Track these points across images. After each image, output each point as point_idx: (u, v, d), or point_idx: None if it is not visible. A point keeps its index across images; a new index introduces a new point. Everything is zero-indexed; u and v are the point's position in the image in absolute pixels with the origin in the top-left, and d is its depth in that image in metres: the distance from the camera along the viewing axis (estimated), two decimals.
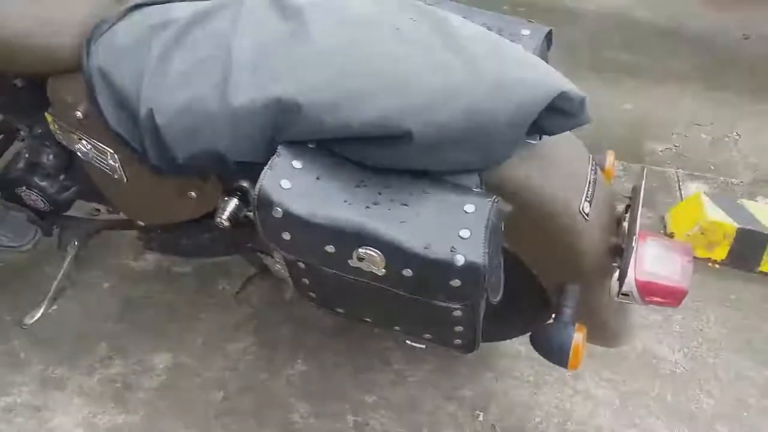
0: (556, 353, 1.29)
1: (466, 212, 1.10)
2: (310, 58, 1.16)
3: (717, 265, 2.19)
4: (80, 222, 1.72)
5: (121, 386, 1.67)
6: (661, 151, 3.02)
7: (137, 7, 1.35)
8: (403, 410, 1.70)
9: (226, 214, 1.26)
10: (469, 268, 1.06)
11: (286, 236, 1.12)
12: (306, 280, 1.27)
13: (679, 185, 2.73)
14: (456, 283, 1.08)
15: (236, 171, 1.21)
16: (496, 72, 1.14)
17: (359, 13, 1.23)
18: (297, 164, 1.12)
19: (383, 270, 1.10)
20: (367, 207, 1.09)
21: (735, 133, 3.16)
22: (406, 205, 1.11)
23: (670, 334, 1.96)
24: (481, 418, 1.71)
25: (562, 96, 1.14)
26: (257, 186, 1.09)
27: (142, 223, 1.56)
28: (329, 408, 1.68)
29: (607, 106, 3.26)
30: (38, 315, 1.76)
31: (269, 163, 1.11)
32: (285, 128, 1.13)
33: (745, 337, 1.98)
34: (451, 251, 1.06)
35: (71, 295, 1.86)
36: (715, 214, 2.14)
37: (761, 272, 2.16)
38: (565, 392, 1.78)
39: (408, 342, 1.82)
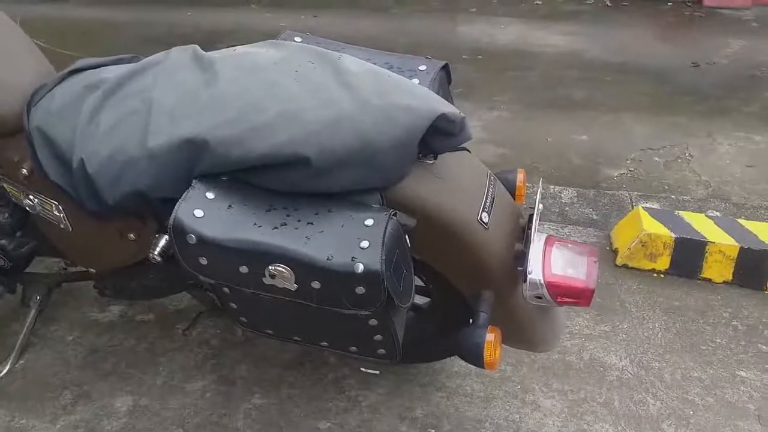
0: (472, 354, 1.37)
1: (366, 226, 1.21)
2: (217, 101, 1.30)
3: (662, 275, 2.28)
4: (41, 277, 1.83)
5: (84, 431, 1.74)
6: (616, 176, 3.15)
7: (73, 72, 1.51)
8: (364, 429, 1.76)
9: (157, 250, 1.37)
10: (369, 275, 1.17)
11: (203, 261, 1.23)
12: (233, 305, 1.37)
13: (632, 206, 2.83)
14: (360, 290, 1.19)
15: (163, 209, 1.33)
16: (383, 103, 1.29)
17: (264, 60, 1.39)
18: (210, 195, 1.24)
19: (295, 285, 1.21)
20: (275, 228, 1.21)
21: (687, 154, 3.30)
22: (311, 223, 1.23)
23: (617, 343, 2.03)
24: None
25: (443, 118, 1.29)
26: (171, 216, 1.21)
27: (93, 271, 1.68)
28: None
29: (563, 139, 3.42)
30: (5, 370, 1.85)
31: (183, 195, 1.24)
32: (197, 164, 1.26)
33: (690, 341, 2.05)
34: (352, 260, 1.17)
35: (37, 349, 1.95)
36: (652, 226, 2.25)
37: (704, 278, 2.24)
38: (514, 405, 1.84)
39: (362, 369, 1.91)
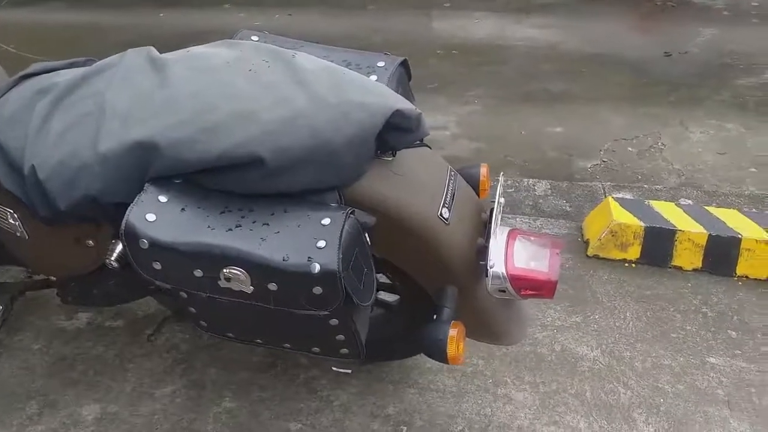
0: (435, 350, 1.36)
1: (322, 225, 1.20)
2: (169, 102, 1.29)
3: (633, 265, 2.29)
4: (3, 286, 1.80)
5: None
6: (589, 167, 3.16)
7: (25, 77, 1.48)
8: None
9: (114, 256, 1.35)
10: (326, 275, 1.15)
11: (157, 266, 1.21)
12: (192, 309, 1.35)
13: (605, 197, 2.84)
14: (318, 290, 1.18)
15: (117, 214, 1.31)
16: (337, 100, 1.28)
17: (218, 60, 1.37)
18: (163, 198, 1.23)
19: (251, 287, 1.19)
20: (229, 230, 1.19)
21: (660, 143, 3.31)
22: (267, 224, 1.21)
23: (588, 333, 2.04)
24: None
25: (399, 114, 1.28)
26: (123, 221, 1.19)
27: (53, 278, 1.65)
28: None
29: (538, 132, 3.42)
30: None
31: (135, 199, 1.22)
32: (149, 167, 1.24)
33: (660, 329, 2.05)
34: (308, 260, 1.16)
35: (2, 359, 1.92)
36: (622, 216, 2.25)
37: (674, 266, 2.25)
38: (485, 399, 1.84)
39: (334, 368, 1.90)
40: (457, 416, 1.80)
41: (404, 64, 1.57)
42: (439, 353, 1.36)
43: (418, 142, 1.45)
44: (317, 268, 1.15)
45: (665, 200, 2.74)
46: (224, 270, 1.18)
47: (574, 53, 4.24)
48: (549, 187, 2.94)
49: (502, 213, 1.51)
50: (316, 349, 1.38)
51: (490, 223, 1.40)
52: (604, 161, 3.22)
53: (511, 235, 1.49)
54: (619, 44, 4.33)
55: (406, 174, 1.39)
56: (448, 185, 1.44)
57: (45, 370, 1.91)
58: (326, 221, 1.20)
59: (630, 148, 3.30)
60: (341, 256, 1.15)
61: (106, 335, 2.01)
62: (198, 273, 1.20)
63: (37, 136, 1.34)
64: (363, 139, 1.26)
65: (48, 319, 2.05)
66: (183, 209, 1.22)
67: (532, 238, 1.51)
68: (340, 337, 1.32)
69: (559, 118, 3.51)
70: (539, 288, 1.44)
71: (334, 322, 1.27)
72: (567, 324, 2.07)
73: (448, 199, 1.41)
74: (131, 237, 1.18)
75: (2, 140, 1.38)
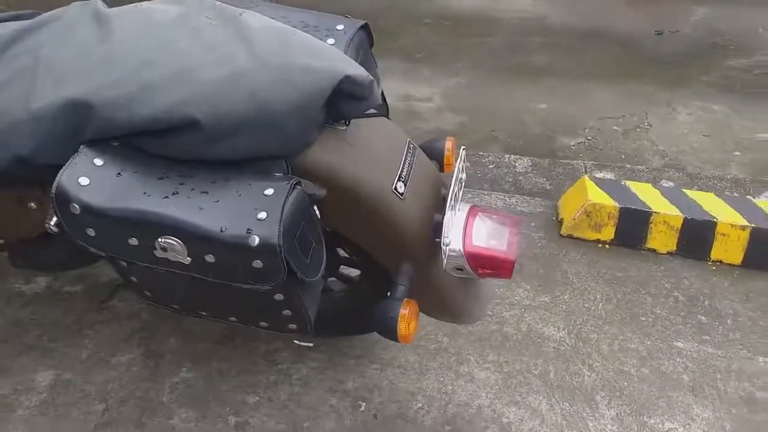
0: (386, 328, 1.33)
1: (265, 195, 1.15)
2: (107, 59, 1.22)
3: (606, 246, 2.25)
4: None
5: (1, 406, 1.69)
6: (573, 145, 3.11)
7: None
8: (285, 407, 1.72)
9: (53, 220, 1.30)
10: (265, 248, 1.10)
11: (91, 232, 1.16)
12: (133, 278, 1.30)
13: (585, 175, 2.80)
14: (258, 264, 1.13)
15: (52, 176, 1.24)
16: (281, 62, 1.21)
17: (163, 16, 1.30)
18: (98, 161, 1.17)
19: (188, 258, 1.15)
20: (165, 197, 1.14)
21: (646, 123, 3.26)
22: (206, 192, 1.16)
23: (556, 314, 2.01)
24: (362, 409, 1.73)
25: (348, 80, 1.21)
26: (54, 184, 1.13)
27: (1, 241, 1.60)
28: (211, 411, 1.70)
29: (522, 107, 3.36)
30: None
31: (68, 162, 1.16)
32: (82, 128, 1.18)
33: (630, 312, 2.03)
34: (247, 233, 1.11)
35: None
36: (597, 196, 2.21)
37: (648, 249, 2.22)
38: (448, 377, 1.81)
39: (296, 342, 1.87)
40: (418, 393, 1.77)
41: (365, 28, 1.50)
42: (389, 331, 1.32)
43: (375, 111, 1.40)
44: (256, 240, 1.10)
45: (647, 181, 2.70)
46: (159, 239, 1.13)
47: (565, 28, 4.16)
48: (530, 164, 2.90)
49: (464, 189, 1.47)
50: (263, 324, 1.35)
51: (445, 200, 1.35)
52: (588, 139, 3.17)
53: (471, 212, 1.44)
54: (610, 20, 4.25)
55: (361, 145, 1.33)
56: (405, 158, 1.38)
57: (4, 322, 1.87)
58: (269, 191, 1.15)
59: (615, 127, 3.26)
60: (282, 228, 1.10)
61: (64, 300, 1.96)
62: (133, 241, 1.15)
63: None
64: (308, 105, 1.20)
65: (5, 282, 2.00)
66: (119, 174, 1.16)
67: (493, 216, 1.46)
68: (287, 312, 1.28)
69: (545, 94, 3.45)
70: (497, 267, 1.41)
71: (279, 297, 1.23)
72: (535, 303, 2.04)
73: (404, 173, 1.36)
74: (62, 201, 1.13)
75: None
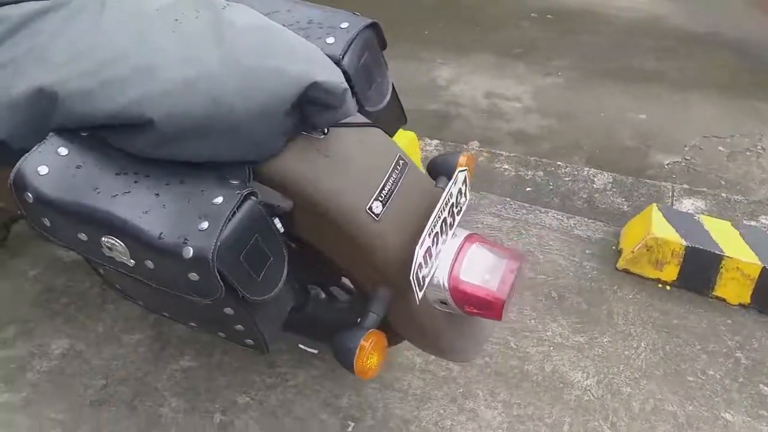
0: (342, 358, 1.22)
1: (213, 204, 1.08)
2: (84, 49, 1.19)
3: (668, 287, 1.99)
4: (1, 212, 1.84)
5: (15, 367, 1.78)
6: (667, 164, 2.79)
7: None
8: (273, 414, 1.67)
9: None
10: (198, 261, 1.04)
11: (46, 222, 1.15)
12: (101, 270, 1.29)
13: (672, 201, 2.51)
14: (194, 276, 1.07)
15: None
16: (251, 64, 1.12)
17: (150, 7, 1.25)
18: (63, 151, 1.15)
19: (132, 261, 1.11)
20: (114, 195, 1.10)
21: (759, 147, 2.87)
22: (157, 194, 1.11)
23: (589, 358, 1.80)
24: (350, 429, 1.65)
25: (317, 87, 1.11)
26: (12, 171, 1.13)
27: None
28: (200, 405, 1.69)
29: (618, 115, 3.07)
30: None
31: (33, 148, 1.15)
32: (49, 116, 1.17)
33: (677, 368, 1.77)
34: (183, 243, 1.05)
35: None
36: (662, 230, 1.95)
37: (716, 297, 1.93)
38: (449, 410, 1.68)
39: (300, 346, 1.81)
40: (412, 422, 1.66)
41: (374, 27, 1.37)
42: (345, 363, 1.21)
43: (366, 121, 1.28)
44: (190, 252, 1.03)
45: (743, 215, 2.37)
46: (103, 238, 1.09)
47: (680, 30, 3.74)
48: (611, 180, 2.64)
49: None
50: (221, 334, 1.29)
51: (428, 223, 1.21)
52: (686, 159, 2.83)
53: (467, 240, 1.30)
54: (733, 23, 3.77)
55: (338, 157, 1.22)
56: (390, 176, 1.26)
57: (32, 297, 1.97)
58: (218, 200, 1.08)
59: (721, 148, 2.88)
60: (221, 242, 1.03)
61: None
62: (82, 237, 1.13)
63: None
64: (272, 111, 1.11)
65: (49, 248, 2.10)
66: (79, 166, 1.14)
67: (491, 249, 1.31)
68: (240, 327, 1.21)
69: (647, 103, 3.12)
70: (484, 307, 1.26)
71: (228, 311, 1.17)
72: (568, 343, 1.84)
73: (384, 192, 1.23)
74: (19, 188, 1.12)
75: None
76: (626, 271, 2.02)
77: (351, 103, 1.16)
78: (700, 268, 1.91)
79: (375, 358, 1.22)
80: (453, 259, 1.26)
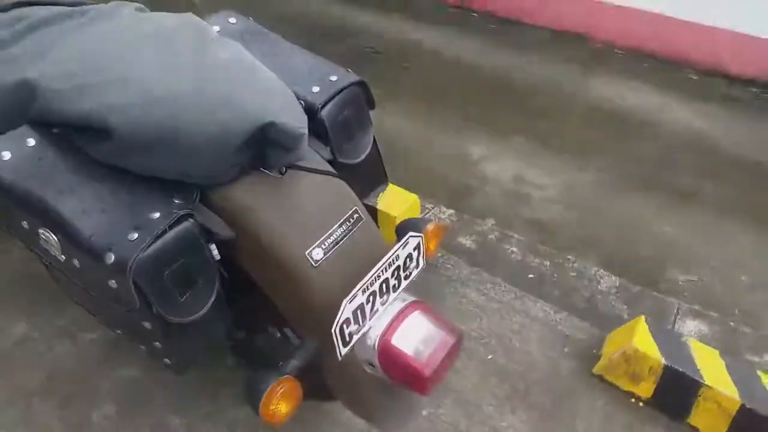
0: (251, 397, 1.19)
1: (149, 218, 1.10)
2: (77, 54, 1.25)
3: (641, 403, 1.87)
4: None
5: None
6: (682, 281, 2.68)
7: (18, 4, 1.53)
8: None
9: None
10: (117, 268, 1.05)
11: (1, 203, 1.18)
12: (47, 263, 1.31)
13: (675, 318, 2.40)
14: (113, 284, 1.07)
15: None
16: (216, 94, 1.16)
17: (152, 27, 1.31)
18: (30, 142, 1.19)
19: (63, 256, 1.12)
20: (62, 192, 1.13)
21: None
22: (101, 199, 1.13)
23: None
24: None
25: (274, 127, 1.13)
26: None
27: None
28: (132, 418, 1.67)
29: (643, 224, 2.99)
30: None
31: (4, 135, 1.20)
32: (28, 108, 1.22)
33: None
34: (109, 248, 1.06)
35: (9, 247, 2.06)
36: (644, 343, 1.85)
37: (690, 425, 1.81)
38: None
39: None
40: None
41: (361, 85, 1.40)
42: (251, 402, 1.18)
43: (329, 171, 1.29)
44: (111, 258, 1.05)
45: (748, 349, 2.24)
46: (40, 229, 1.12)
47: (725, 152, 3.64)
48: (617, 285, 2.54)
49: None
50: (143, 347, 1.28)
51: (360, 283, 1.18)
52: (703, 281, 2.71)
53: (410, 307, 1.26)
54: None
55: (290, 199, 1.22)
56: (339, 227, 1.25)
57: (7, 279, 2.01)
58: (155, 215, 1.10)
59: (743, 277, 2.75)
60: (145, 255, 1.04)
61: None
62: (24, 224, 1.15)
63: None
64: (222, 141, 1.14)
65: None
66: (40, 158, 1.18)
67: (433, 321, 1.26)
68: (158, 344, 1.20)
69: (675, 218, 3.03)
70: (409, 377, 1.21)
71: (147, 325, 1.16)
72: None
73: (328, 242, 1.22)
74: None
75: None
76: (601, 378, 1.92)
77: (305, 148, 1.17)
78: (677, 391, 1.79)
79: (283, 406, 1.19)
80: (389, 323, 1.23)
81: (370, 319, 1.21)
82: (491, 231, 2.76)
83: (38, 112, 1.21)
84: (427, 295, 2.15)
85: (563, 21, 4.64)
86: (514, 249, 2.66)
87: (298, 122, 1.18)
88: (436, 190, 3.01)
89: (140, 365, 1.79)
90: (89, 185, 1.15)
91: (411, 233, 1.25)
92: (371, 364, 1.24)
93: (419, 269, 1.31)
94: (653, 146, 3.66)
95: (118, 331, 1.35)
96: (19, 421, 1.62)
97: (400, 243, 1.24)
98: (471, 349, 1.97)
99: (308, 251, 1.19)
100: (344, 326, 1.16)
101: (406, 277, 1.28)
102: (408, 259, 1.26)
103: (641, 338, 1.85)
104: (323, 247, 1.21)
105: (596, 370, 1.93)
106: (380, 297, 1.22)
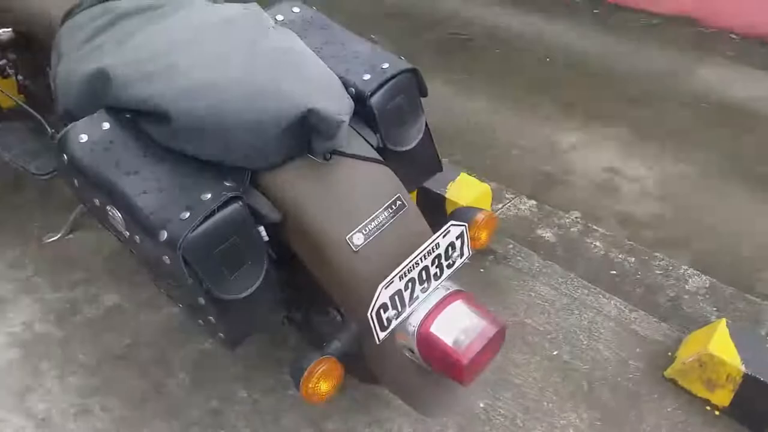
0: (293, 374, 1.24)
1: (200, 198, 1.17)
2: (147, 43, 1.34)
3: (717, 412, 1.77)
4: None
5: (68, 307, 1.99)
6: None
7: None
8: (261, 416, 1.72)
9: None
10: (169, 245, 1.13)
11: (75, 183, 1.30)
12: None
13: None
14: (166, 260, 1.15)
15: None
16: (262, 81, 1.21)
17: (215, 17, 1.37)
18: (105, 125, 1.30)
19: (126, 232, 1.22)
20: (127, 173, 1.22)
21: None
22: (160, 180, 1.22)
23: None
24: None
25: (313, 114, 1.17)
26: (60, 133, 1.29)
27: None
28: (203, 387, 1.78)
29: (742, 223, 2.78)
30: (55, 238, 2.19)
31: (83, 118, 1.31)
32: (103, 94, 1.32)
33: None
34: (163, 224, 1.14)
35: (85, 230, 2.25)
36: (721, 347, 1.74)
37: None
38: None
39: None
40: None
41: (414, 72, 1.40)
42: (294, 379, 1.23)
43: (375, 157, 1.31)
44: (164, 235, 1.13)
45: None
46: (108, 207, 1.22)
47: None
48: (707, 286, 2.39)
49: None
50: (200, 322, 1.36)
51: (398, 268, 1.19)
52: None
53: (452, 296, 1.27)
54: None
55: (332, 183, 1.26)
56: (382, 212, 1.26)
57: (105, 253, 2.19)
58: (206, 196, 1.17)
59: None
60: (192, 234, 1.11)
61: None
62: (96, 202, 1.26)
63: (80, 47, 1.50)
64: (264, 126, 1.20)
65: None
66: (112, 141, 1.28)
67: (475, 311, 1.26)
68: (211, 319, 1.27)
69: None
70: (447, 365, 1.21)
71: (201, 301, 1.23)
72: None
73: (369, 227, 1.24)
74: (59, 149, 1.28)
75: (60, 49, 1.56)
76: (674, 383, 1.83)
77: (343, 136, 1.20)
78: (758, 402, 1.67)
79: (324, 385, 1.23)
80: (429, 311, 1.24)
81: (409, 306, 1.23)
82: (574, 224, 2.67)
83: (111, 98, 1.31)
84: (493, 286, 2.15)
85: (673, 4, 4.36)
86: (598, 244, 2.56)
87: (340, 110, 1.22)
88: (519, 180, 2.95)
89: (211, 341, 1.90)
90: (151, 167, 1.24)
91: (452, 222, 1.25)
92: (411, 350, 1.26)
93: (464, 259, 1.31)
94: (762, 140, 3.39)
95: (180, 306, 1.44)
96: (102, 384, 1.78)
97: (441, 231, 1.24)
98: (535, 344, 1.93)
99: (349, 236, 1.22)
100: (381, 311, 1.18)
101: (449, 266, 1.28)
102: (450, 248, 1.27)
103: (719, 343, 1.74)
104: (364, 232, 1.23)
105: (668, 373, 1.84)
106: (420, 284, 1.23)
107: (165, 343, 1.89)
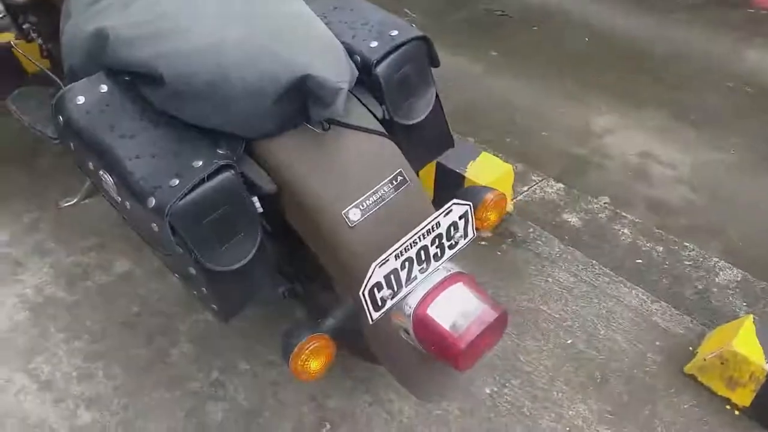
0: (283, 349, 1.20)
1: (191, 166, 1.13)
2: (149, 5, 1.29)
3: (737, 412, 1.68)
4: None
5: (80, 272, 1.99)
6: None
7: None
8: (262, 389, 1.70)
9: None
10: (156, 212, 1.09)
11: (71, 145, 1.27)
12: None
13: None
14: (154, 227, 1.12)
15: None
16: (261, 43, 1.16)
17: None
18: (103, 88, 1.26)
19: (118, 197, 1.19)
20: (122, 136, 1.19)
21: None
22: (153, 145, 1.18)
23: None
24: (325, 430, 1.62)
25: (310, 80, 1.11)
26: (56, 95, 1.26)
27: None
28: (205, 357, 1.77)
29: None
30: (71, 202, 2.20)
31: (82, 79, 1.28)
32: (102, 54, 1.29)
33: None
34: (152, 191, 1.10)
35: (100, 198, 2.25)
36: (746, 344, 1.64)
37: None
38: None
39: None
40: None
41: (424, 40, 1.33)
42: (283, 354, 1.19)
43: (378, 130, 1.25)
44: (153, 202, 1.09)
45: None
46: (101, 171, 1.19)
47: None
48: (739, 279, 2.28)
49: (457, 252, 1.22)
50: (195, 293, 1.33)
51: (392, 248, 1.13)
52: None
53: (453, 278, 1.21)
54: None
55: (329, 155, 1.20)
56: (381, 188, 1.20)
57: (117, 218, 2.17)
58: (198, 163, 1.12)
59: None
60: (180, 202, 1.07)
61: None
62: (90, 165, 1.23)
63: (87, 8, 1.47)
64: (264, 91, 1.14)
65: None
66: (108, 104, 1.24)
67: (474, 295, 1.20)
68: (204, 290, 1.24)
69: None
70: (442, 348, 1.16)
71: (191, 270, 1.20)
72: (589, 430, 1.63)
73: (368, 202, 1.19)
74: (56, 110, 1.25)
75: (72, 5, 1.53)
76: (694, 379, 1.74)
77: (341, 103, 1.14)
78: None
79: (314, 363, 1.19)
80: (427, 292, 1.18)
81: (406, 286, 1.18)
82: (602, 210, 2.57)
83: (110, 58, 1.28)
84: (509, 269, 2.08)
85: None
86: (626, 231, 2.46)
87: (339, 77, 1.15)
88: (548, 162, 2.85)
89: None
90: (146, 131, 1.20)
91: (455, 200, 1.18)
92: (407, 332, 1.21)
93: (467, 240, 1.24)
94: None
95: (176, 276, 1.41)
96: (107, 350, 1.78)
97: (442, 210, 1.18)
98: (549, 331, 1.86)
99: (345, 211, 1.17)
100: (375, 290, 1.13)
101: (450, 247, 1.22)
102: (452, 228, 1.20)
103: (744, 340, 1.65)
104: (361, 207, 1.18)
105: (688, 369, 1.75)
106: (418, 265, 1.17)
107: (172, 313, 1.88)
